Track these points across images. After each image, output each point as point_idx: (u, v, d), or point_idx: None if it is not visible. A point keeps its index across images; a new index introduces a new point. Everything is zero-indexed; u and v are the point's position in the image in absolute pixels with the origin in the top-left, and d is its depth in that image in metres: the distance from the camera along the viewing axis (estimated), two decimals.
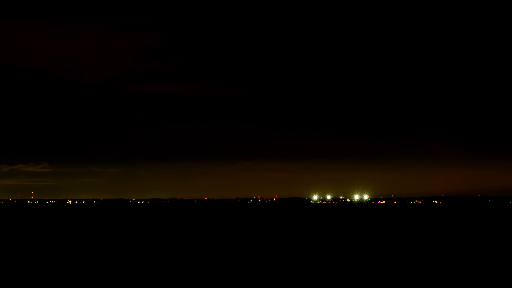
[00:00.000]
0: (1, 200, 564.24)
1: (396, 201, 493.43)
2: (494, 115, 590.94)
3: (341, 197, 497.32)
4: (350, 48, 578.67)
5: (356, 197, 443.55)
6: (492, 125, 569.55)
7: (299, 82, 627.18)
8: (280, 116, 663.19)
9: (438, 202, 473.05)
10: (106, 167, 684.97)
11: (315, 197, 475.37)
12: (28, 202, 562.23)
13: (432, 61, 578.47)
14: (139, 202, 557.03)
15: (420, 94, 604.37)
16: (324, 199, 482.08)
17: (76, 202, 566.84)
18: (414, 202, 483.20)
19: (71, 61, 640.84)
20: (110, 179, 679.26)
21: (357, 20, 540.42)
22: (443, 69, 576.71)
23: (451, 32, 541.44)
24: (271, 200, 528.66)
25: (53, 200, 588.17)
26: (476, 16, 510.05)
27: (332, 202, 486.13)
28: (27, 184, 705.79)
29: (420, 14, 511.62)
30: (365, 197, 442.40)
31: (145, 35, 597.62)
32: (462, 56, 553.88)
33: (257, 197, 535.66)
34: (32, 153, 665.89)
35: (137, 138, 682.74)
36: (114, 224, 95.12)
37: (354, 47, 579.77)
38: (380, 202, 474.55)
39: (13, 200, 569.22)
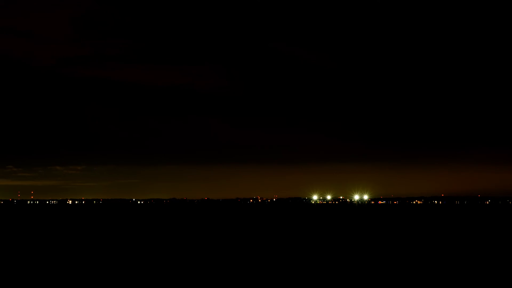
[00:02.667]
0: (1, 200, 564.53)
1: (396, 201, 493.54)
2: (494, 118, 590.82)
3: (341, 197, 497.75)
4: (351, 49, 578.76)
5: (356, 197, 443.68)
6: (491, 127, 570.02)
7: (300, 82, 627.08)
8: (279, 116, 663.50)
9: (438, 202, 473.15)
10: (106, 167, 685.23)
11: (315, 197, 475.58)
12: (28, 202, 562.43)
13: (432, 64, 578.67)
14: (139, 202, 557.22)
15: (421, 97, 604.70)
16: (324, 199, 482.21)
17: (76, 202, 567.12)
18: (414, 202, 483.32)
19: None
20: (111, 179, 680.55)
21: (366, 24, 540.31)
22: (443, 74, 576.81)
23: (448, 33, 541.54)
24: (271, 200, 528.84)
25: (53, 200, 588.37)
26: (488, 20, 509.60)
27: (332, 202, 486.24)
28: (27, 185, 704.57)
29: (432, 20, 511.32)
30: (365, 197, 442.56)
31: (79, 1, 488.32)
32: (461, 60, 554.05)
33: (257, 197, 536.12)
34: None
35: (129, 137, 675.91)
36: (114, 224, 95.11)
37: (356, 48, 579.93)
38: (380, 202, 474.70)
39: (13, 200, 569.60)
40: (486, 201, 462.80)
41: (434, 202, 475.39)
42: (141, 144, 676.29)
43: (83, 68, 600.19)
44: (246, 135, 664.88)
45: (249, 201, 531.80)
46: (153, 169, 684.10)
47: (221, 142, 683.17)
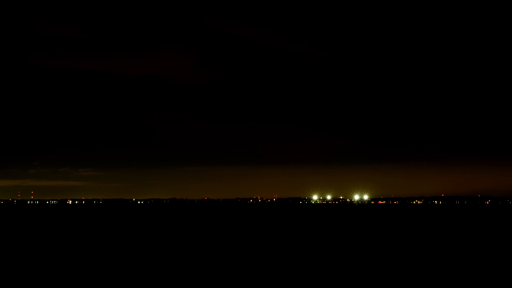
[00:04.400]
0: (1, 200, 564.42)
1: (396, 201, 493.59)
2: (495, 118, 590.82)
3: (341, 197, 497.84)
4: (356, 48, 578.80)
5: (356, 197, 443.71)
6: (492, 128, 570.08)
7: (301, 81, 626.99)
8: (280, 116, 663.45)
9: (438, 202, 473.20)
10: (105, 167, 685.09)
11: (315, 197, 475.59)
12: (28, 202, 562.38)
13: (433, 64, 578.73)
14: (139, 202, 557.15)
15: (422, 98, 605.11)
16: (324, 199, 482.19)
17: (76, 202, 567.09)
18: (414, 202, 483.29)
19: None
20: (110, 179, 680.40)
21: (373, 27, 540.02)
22: (444, 74, 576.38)
23: (446, 34, 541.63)
24: (271, 200, 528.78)
25: (53, 200, 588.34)
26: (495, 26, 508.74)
27: (332, 202, 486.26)
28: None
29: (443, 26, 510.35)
30: (365, 197, 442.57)
31: None
32: (462, 61, 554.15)
33: (257, 197, 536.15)
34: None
35: (127, 136, 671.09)
36: (114, 224, 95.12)
37: (360, 46, 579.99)
38: (380, 202, 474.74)
39: (13, 200, 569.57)
40: (486, 201, 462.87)
41: (434, 202, 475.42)
42: (140, 144, 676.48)
43: (43, 55, 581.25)
44: (246, 135, 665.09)
45: (249, 201, 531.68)
46: (154, 169, 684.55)
47: (221, 142, 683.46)
